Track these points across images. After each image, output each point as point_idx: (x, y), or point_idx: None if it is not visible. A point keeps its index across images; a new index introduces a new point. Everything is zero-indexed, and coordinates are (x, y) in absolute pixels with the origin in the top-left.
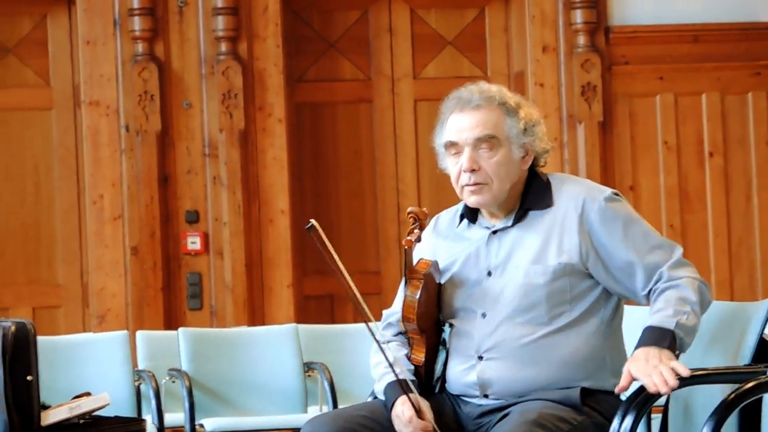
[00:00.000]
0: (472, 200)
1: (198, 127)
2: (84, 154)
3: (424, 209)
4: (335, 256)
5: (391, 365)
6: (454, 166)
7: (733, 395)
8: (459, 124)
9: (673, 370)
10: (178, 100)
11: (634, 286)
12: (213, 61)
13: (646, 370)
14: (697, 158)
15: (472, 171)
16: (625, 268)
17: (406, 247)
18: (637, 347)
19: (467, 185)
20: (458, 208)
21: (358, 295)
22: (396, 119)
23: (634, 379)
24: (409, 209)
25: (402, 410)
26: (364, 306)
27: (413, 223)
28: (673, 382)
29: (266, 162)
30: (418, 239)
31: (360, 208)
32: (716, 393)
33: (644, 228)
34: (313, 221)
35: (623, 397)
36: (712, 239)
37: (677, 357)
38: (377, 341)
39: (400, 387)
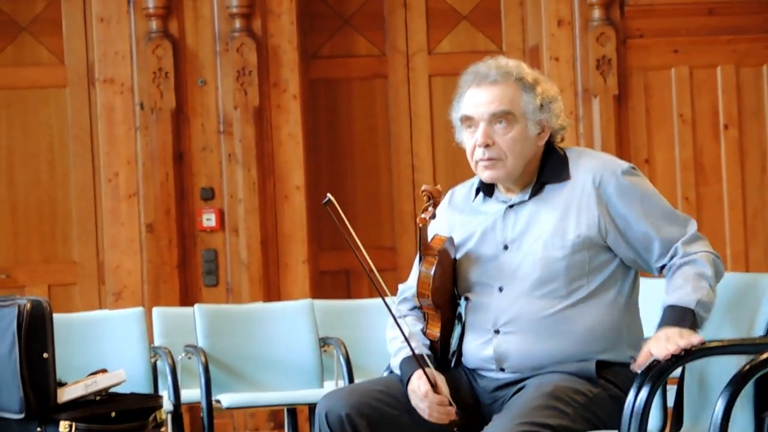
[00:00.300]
0: (485, 175)
1: (213, 104)
2: (99, 132)
3: (438, 187)
4: (351, 231)
5: (407, 339)
6: (469, 140)
7: (748, 366)
8: (475, 99)
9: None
10: (193, 78)
11: (650, 257)
12: (227, 38)
13: (667, 348)
14: (712, 131)
15: (487, 146)
16: (642, 240)
17: (420, 225)
18: (659, 327)
19: (481, 160)
20: (474, 181)
21: (374, 269)
22: (411, 95)
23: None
24: (423, 187)
25: (418, 384)
26: (380, 280)
27: (427, 201)
28: (685, 344)
29: (281, 138)
30: (433, 216)
31: (375, 183)
32: (731, 364)
33: (660, 202)
34: (329, 195)
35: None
36: (728, 212)
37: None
38: (393, 315)
39: (416, 361)
